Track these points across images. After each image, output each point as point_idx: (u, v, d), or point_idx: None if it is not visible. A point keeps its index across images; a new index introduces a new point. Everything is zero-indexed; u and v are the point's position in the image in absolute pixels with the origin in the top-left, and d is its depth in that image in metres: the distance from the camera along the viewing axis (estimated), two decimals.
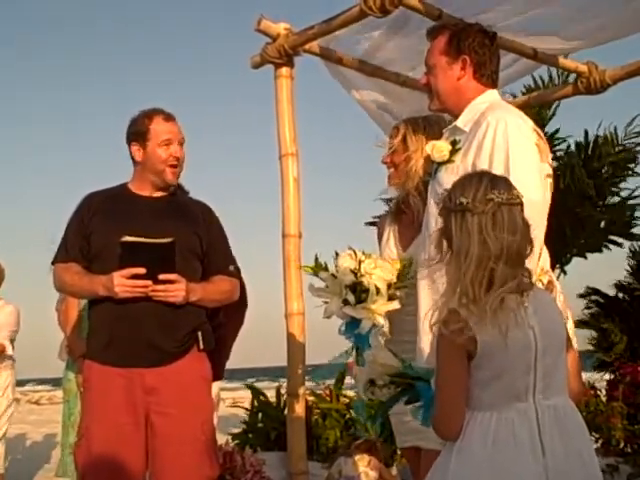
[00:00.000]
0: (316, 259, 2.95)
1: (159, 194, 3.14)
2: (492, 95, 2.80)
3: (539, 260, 2.63)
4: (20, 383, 5.78)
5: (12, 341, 5.43)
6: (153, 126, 3.10)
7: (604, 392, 5.56)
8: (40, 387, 33.92)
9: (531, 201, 2.42)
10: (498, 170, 2.43)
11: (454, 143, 2.69)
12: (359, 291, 2.84)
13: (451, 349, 1.94)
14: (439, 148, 2.72)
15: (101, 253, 3.00)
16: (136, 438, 2.91)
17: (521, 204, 2.03)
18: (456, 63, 2.77)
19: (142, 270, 2.87)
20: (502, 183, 2.04)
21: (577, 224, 6.86)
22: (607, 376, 6.60)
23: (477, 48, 2.79)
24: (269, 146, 4.11)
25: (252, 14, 4.03)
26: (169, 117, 3.15)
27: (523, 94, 6.07)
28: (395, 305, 2.89)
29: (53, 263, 3.16)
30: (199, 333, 3.04)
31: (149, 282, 2.88)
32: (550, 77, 6.63)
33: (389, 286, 2.88)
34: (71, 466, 4.26)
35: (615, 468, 4.65)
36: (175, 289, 2.90)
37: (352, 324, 2.90)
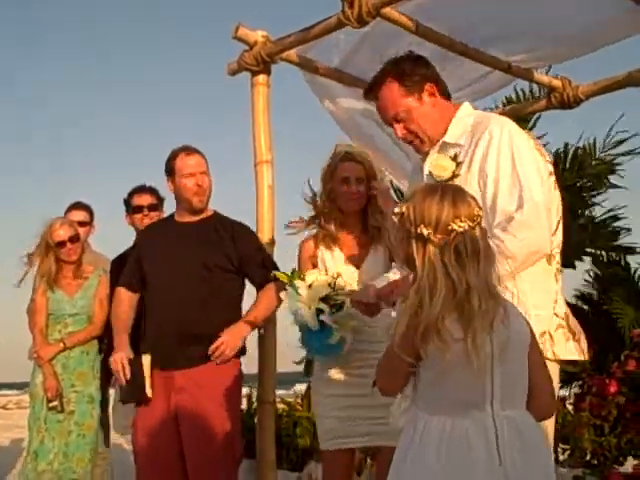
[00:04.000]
0: (293, 270, 3.31)
1: (193, 219, 3.68)
2: (469, 108, 2.83)
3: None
4: None
5: None
6: (177, 162, 3.66)
7: (571, 403, 5.59)
8: (7, 391, 33.41)
9: (534, 202, 2.46)
10: (505, 174, 2.51)
11: (455, 157, 2.66)
12: (330, 304, 3.14)
13: (409, 330, 1.94)
14: (442, 166, 2.65)
15: (147, 278, 3.62)
16: (171, 429, 3.46)
17: (479, 223, 2.00)
18: (423, 94, 2.76)
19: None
20: (462, 203, 2.00)
21: None
22: (574, 389, 6.63)
23: (428, 72, 2.80)
24: (244, 153, 4.13)
25: (230, 22, 4.04)
26: (190, 152, 3.68)
27: (504, 105, 6.12)
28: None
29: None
30: None
31: None
32: (531, 91, 6.60)
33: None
34: (32, 473, 4.21)
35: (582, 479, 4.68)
36: (220, 351, 3.44)
37: (318, 334, 3.16)
